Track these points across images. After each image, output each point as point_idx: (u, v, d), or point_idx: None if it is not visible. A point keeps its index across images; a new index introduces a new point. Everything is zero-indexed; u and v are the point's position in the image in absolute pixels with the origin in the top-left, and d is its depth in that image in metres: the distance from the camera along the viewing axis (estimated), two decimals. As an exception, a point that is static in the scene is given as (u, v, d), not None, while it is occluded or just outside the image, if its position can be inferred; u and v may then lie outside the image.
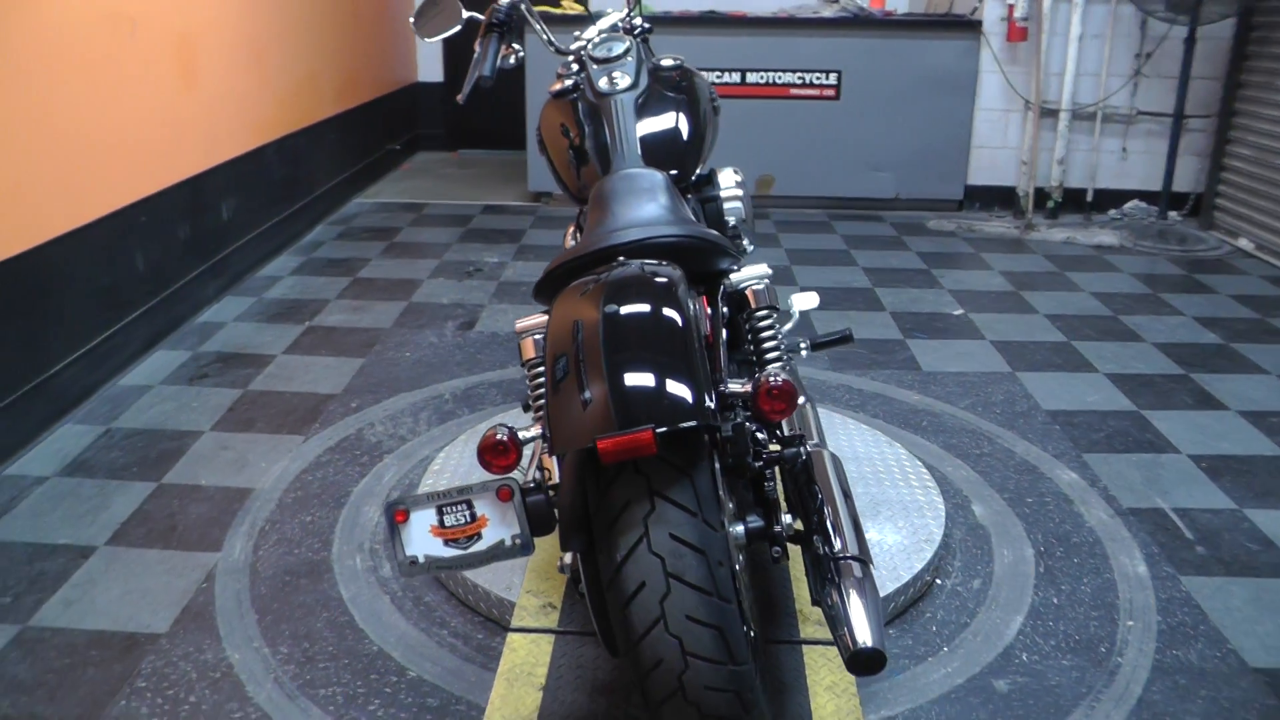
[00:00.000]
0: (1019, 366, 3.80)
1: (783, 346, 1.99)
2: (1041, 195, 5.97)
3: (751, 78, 6.14)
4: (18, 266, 3.09)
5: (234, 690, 2.11)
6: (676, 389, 1.46)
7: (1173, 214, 5.90)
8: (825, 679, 2.03)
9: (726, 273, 2.01)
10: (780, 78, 6.12)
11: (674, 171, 2.23)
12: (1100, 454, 3.13)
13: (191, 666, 2.17)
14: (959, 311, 4.41)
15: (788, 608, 2.26)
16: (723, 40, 6.12)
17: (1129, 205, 5.99)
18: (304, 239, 5.51)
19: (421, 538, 1.57)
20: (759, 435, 1.90)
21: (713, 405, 1.47)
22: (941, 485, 2.91)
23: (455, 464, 2.89)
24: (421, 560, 1.58)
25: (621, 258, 1.82)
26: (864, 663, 1.49)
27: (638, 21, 2.62)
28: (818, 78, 6.09)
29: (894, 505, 2.66)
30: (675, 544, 1.43)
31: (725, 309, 1.91)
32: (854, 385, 3.62)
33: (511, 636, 2.17)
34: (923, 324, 4.25)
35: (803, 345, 2.61)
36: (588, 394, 1.47)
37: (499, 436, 1.55)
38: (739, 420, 1.71)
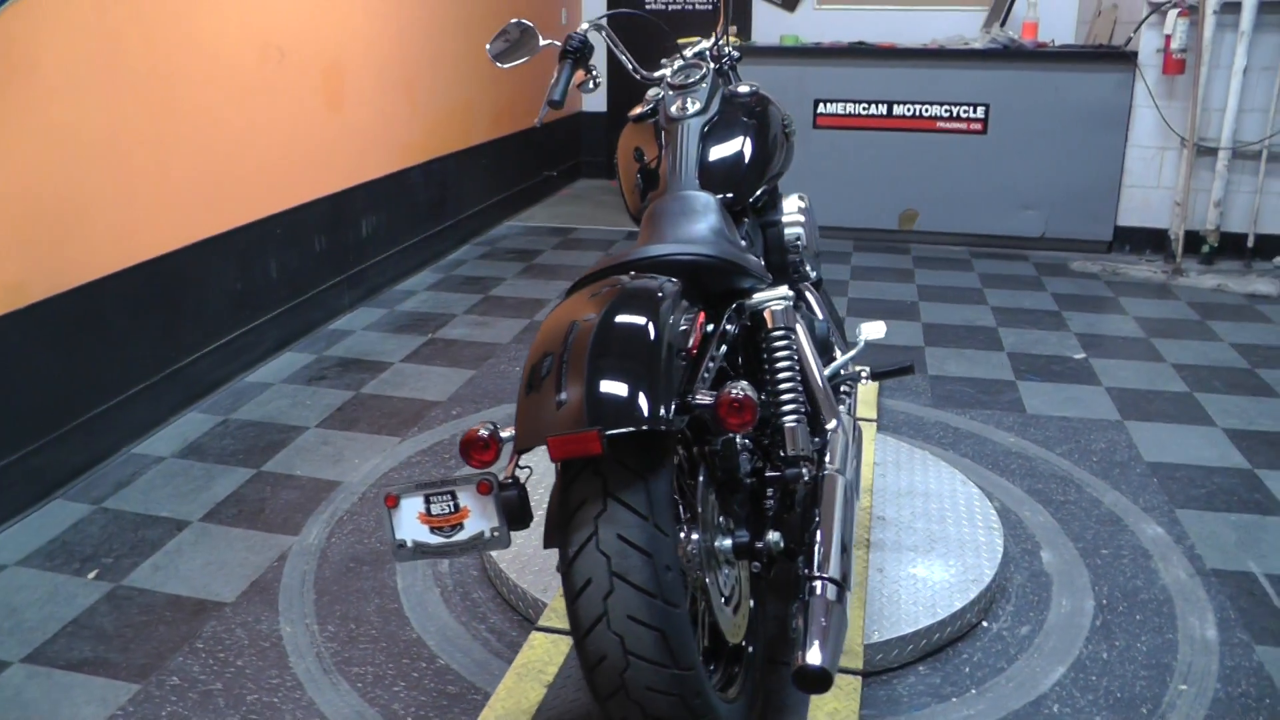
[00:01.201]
0: (1129, 415, 3.61)
1: (793, 370, 2.00)
2: (1196, 239, 5.62)
3: (898, 110, 6.08)
4: (162, 265, 3.44)
5: (278, 659, 2.28)
6: (631, 395, 1.52)
7: (1350, 264, 5.44)
8: (828, 704, 2.01)
9: (749, 292, 2.05)
10: (927, 110, 6.03)
11: (729, 195, 2.29)
12: (1195, 510, 2.94)
13: (246, 634, 2.36)
14: (1080, 356, 4.22)
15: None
16: (870, 71, 6.08)
17: (1298, 253, 5.56)
18: (447, 257, 5.81)
19: (410, 524, 1.67)
20: (774, 451, 1.93)
21: (667, 414, 1.51)
22: (1013, 529, 2.82)
23: (538, 471, 2.99)
24: (410, 544, 1.68)
25: (633, 272, 1.89)
26: (809, 681, 1.50)
27: (728, 50, 2.69)
28: (965, 111, 5.97)
29: (950, 543, 2.60)
30: (622, 544, 1.49)
31: (730, 326, 1.94)
32: (951, 423, 3.54)
33: (534, 634, 2.26)
34: (1039, 367, 4.09)
35: (863, 374, 2.61)
36: (556, 395, 1.55)
37: (481, 433, 1.64)
38: (730, 436, 1.75)
